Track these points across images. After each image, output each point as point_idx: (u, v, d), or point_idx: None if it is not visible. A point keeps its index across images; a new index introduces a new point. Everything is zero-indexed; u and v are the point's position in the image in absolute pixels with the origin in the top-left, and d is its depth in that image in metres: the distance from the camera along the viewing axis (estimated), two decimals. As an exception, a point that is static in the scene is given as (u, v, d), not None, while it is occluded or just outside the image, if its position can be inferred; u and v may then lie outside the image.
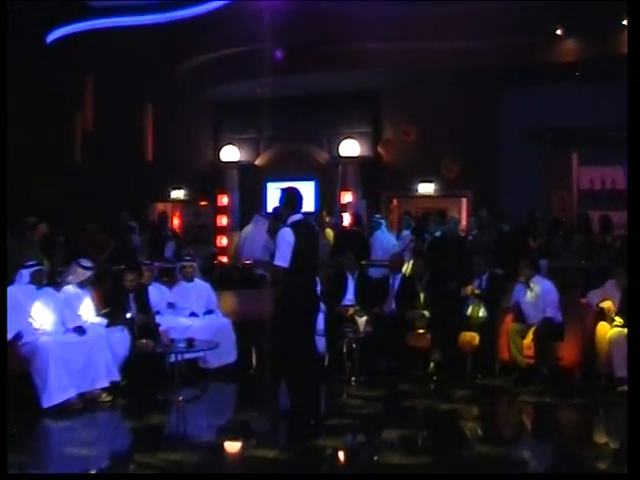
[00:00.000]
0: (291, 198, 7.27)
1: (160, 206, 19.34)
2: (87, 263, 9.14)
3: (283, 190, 7.39)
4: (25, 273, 8.42)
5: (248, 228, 13.02)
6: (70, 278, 8.99)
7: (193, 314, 9.80)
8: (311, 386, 7.32)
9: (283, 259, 7.00)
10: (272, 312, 7.39)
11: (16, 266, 8.73)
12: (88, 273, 8.99)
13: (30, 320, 8.17)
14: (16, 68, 17.51)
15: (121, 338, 8.63)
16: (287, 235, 7.01)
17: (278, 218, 12.28)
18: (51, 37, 17.45)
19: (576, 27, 14.01)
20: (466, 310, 9.65)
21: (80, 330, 8.26)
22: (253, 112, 17.34)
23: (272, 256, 12.33)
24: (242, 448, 6.99)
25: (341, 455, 6.85)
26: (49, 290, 8.60)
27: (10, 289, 8.34)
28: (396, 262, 10.78)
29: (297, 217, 7.19)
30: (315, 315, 7.56)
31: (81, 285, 8.92)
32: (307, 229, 7.31)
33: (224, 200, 18.49)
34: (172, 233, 15.63)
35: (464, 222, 16.36)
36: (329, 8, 14.70)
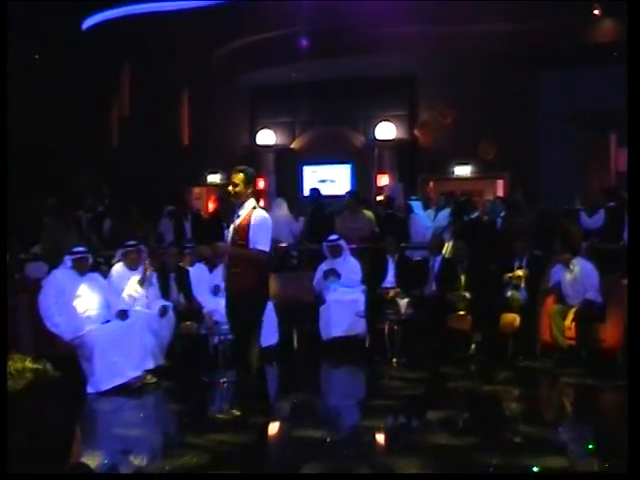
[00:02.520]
0: (252, 177, 6.96)
1: (197, 190, 19.49)
2: (133, 244, 9.22)
3: (243, 169, 6.91)
4: (68, 260, 8.54)
5: (272, 213, 13.14)
6: (117, 261, 9.13)
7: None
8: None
9: (267, 244, 6.82)
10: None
11: (60, 253, 8.87)
12: (134, 255, 9.07)
13: (74, 305, 8.30)
14: (53, 56, 17.73)
15: (165, 321, 8.74)
16: (268, 220, 6.88)
17: (356, 198, 12.54)
18: (87, 24, 17.58)
19: (614, 7, 13.87)
20: (507, 292, 9.65)
21: (123, 314, 8.38)
22: (289, 96, 17.45)
23: (293, 237, 12.71)
24: (286, 429, 7.05)
25: (384, 436, 6.89)
26: (93, 275, 8.71)
27: (54, 274, 8.49)
28: (436, 244, 10.80)
29: (252, 202, 6.91)
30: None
31: (130, 268, 9.00)
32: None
33: (260, 184, 18.53)
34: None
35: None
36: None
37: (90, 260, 8.74)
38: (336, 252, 10.47)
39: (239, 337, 7.08)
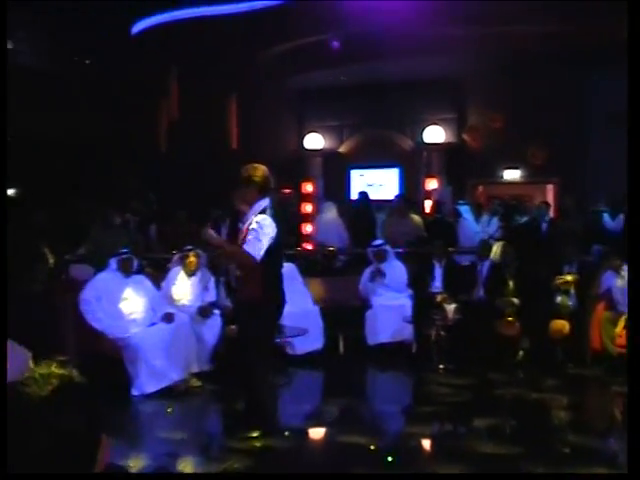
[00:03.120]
0: (259, 178, 6.34)
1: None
2: (190, 248, 9.23)
3: (247, 169, 6.39)
4: (113, 261, 8.58)
5: (320, 216, 13.14)
6: (175, 265, 9.17)
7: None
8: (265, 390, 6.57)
9: (259, 251, 6.12)
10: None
11: (105, 255, 8.93)
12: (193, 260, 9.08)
13: (120, 307, 8.34)
14: (102, 60, 17.91)
15: (211, 324, 8.75)
16: (270, 225, 6.19)
17: (404, 202, 12.48)
18: (136, 28, 17.71)
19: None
20: (556, 298, 9.50)
21: (169, 317, 8.39)
22: (337, 99, 17.42)
23: (341, 239, 12.54)
24: (330, 435, 7.00)
25: (428, 443, 6.80)
26: (139, 277, 8.74)
27: (100, 275, 8.54)
28: (484, 249, 10.69)
29: (267, 202, 6.36)
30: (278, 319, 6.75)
31: (188, 272, 9.03)
32: (275, 216, 6.40)
33: (308, 187, 18.55)
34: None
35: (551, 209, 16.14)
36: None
37: (135, 262, 8.76)
38: (381, 257, 10.42)
39: (243, 353, 6.57)
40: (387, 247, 10.60)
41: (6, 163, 6.75)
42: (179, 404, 7.87)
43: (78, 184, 15.74)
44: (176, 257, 9.20)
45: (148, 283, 8.77)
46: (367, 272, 10.50)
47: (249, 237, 6.15)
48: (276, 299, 6.41)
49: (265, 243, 6.14)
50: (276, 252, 6.33)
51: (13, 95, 14.91)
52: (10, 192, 16.61)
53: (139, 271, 8.98)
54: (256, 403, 6.50)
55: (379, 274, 10.24)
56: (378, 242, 10.73)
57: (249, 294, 6.36)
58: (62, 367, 1.73)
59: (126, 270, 8.53)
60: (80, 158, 16.52)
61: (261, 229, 6.14)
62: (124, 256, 8.57)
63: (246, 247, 6.14)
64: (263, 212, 6.28)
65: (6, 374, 6.35)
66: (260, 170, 6.37)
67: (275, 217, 6.31)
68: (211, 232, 6.59)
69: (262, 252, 6.13)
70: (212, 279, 9.21)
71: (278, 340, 8.64)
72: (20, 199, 15.95)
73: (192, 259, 8.99)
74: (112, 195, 14.57)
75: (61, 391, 1.67)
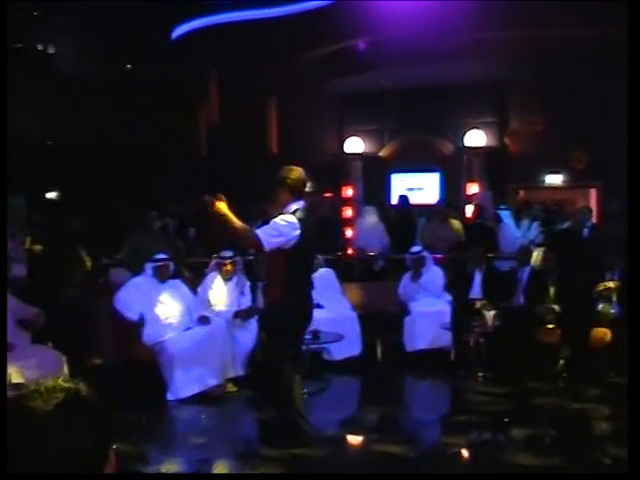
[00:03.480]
0: (292, 180, 6.23)
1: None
2: (228, 254, 9.20)
3: (282, 171, 6.29)
4: (149, 267, 8.56)
5: (360, 221, 13.06)
6: (211, 270, 9.14)
7: (318, 305, 9.77)
8: (299, 397, 6.42)
9: (269, 241, 5.91)
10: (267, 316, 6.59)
11: (142, 260, 8.93)
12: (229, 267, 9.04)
13: (156, 311, 8.32)
14: (143, 64, 18.01)
15: (247, 329, 8.71)
16: (292, 225, 5.99)
17: (445, 206, 12.40)
18: (176, 33, 17.78)
19: None
20: (598, 305, 9.31)
21: (205, 319, 8.35)
22: (377, 104, 17.35)
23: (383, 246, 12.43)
24: (365, 443, 6.91)
25: (465, 454, 6.68)
26: (174, 282, 8.72)
27: (134, 281, 8.54)
28: (524, 255, 10.53)
29: (300, 204, 6.21)
30: (307, 325, 6.57)
31: (225, 278, 9.00)
32: (309, 220, 6.31)
33: (348, 192, 18.48)
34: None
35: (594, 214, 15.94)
36: (455, -3, 14.44)
37: (171, 267, 8.74)
38: (419, 264, 10.30)
39: (271, 365, 6.44)
40: (425, 253, 10.49)
41: (6, 163, 6.75)
42: (214, 409, 7.84)
43: (118, 189, 15.81)
44: (213, 262, 9.17)
45: (184, 288, 8.77)
46: (406, 278, 10.41)
47: (265, 225, 6.05)
48: (299, 304, 6.25)
49: (282, 240, 5.95)
50: (301, 255, 6.16)
51: (54, 99, 15.14)
52: (51, 196, 16.77)
53: (175, 275, 8.95)
54: (282, 412, 6.40)
55: (416, 283, 10.17)
56: (417, 248, 10.62)
57: (272, 298, 6.32)
58: (69, 381, 1.67)
59: (161, 275, 8.52)
60: (121, 162, 16.59)
61: (281, 223, 5.98)
62: (160, 263, 8.55)
63: (259, 231, 5.97)
64: (293, 214, 6.14)
65: (6, 374, 6.42)
66: (294, 172, 6.27)
67: (303, 221, 6.13)
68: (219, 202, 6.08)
69: (274, 245, 5.94)
70: (248, 284, 9.18)
71: (314, 346, 8.61)
72: (60, 203, 16.07)
73: (229, 267, 8.97)
74: (152, 199, 14.62)
75: (67, 405, 1.60)
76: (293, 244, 6.04)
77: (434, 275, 10.38)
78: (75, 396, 1.64)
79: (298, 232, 6.01)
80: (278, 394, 6.39)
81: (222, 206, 5.97)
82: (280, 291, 6.17)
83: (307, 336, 8.36)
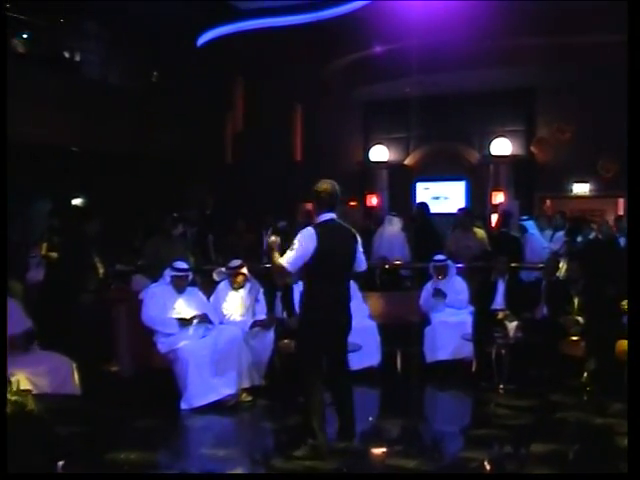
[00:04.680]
0: (320, 193, 6.25)
1: (309, 206, 19.36)
2: (235, 264, 9.09)
3: (315, 186, 6.33)
4: (167, 274, 8.44)
5: (382, 229, 12.90)
6: (221, 278, 9.03)
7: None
8: (318, 409, 6.34)
9: (292, 262, 6.10)
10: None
11: (161, 266, 8.85)
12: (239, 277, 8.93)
13: (171, 319, 8.21)
14: (169, 71, 18.02)
15: (263, 338, 8.58)
16: (308, 237, 6.09)
17: (469, 215, 12.27)
18: (201, 40, 17.77)
19: None
20: (624, 317, 9.07)
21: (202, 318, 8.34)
22: (402, 111, 17.24)
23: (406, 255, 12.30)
24: (382, 456, 6.74)
25: (486, 468, 6.48)
26: (191, 290, 8.60)
27: (152, 288, 8.45)
28: (551, 265, 10.33)
29: (327, 216, 6.26)
30: (336, 339, 6.44)
31: (234, 287, 8.89)
32: (337, 232, 6.32)
33: (373, 200, 18.36)
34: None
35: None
36: (479, 4, 14.26)
37: (190, 277, 8.64)
38: (443, 273, 10.14)
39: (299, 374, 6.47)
40: (449, 262, 10.33)
41: (6, 164, 6.70)
42: (228, 419, 7.72)
43: (144, 195, 15.80)
44: (220, 271, 9.08)
45: (201, 296, 8.65)
46: (427, 287, 10.25)
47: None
48: (323, 316, 6.22)
49: (299, 253, 6.08)
50: (323, 266, 6.16)
51: (80, 106, 15.15)
52: (75, 202, 16.78)
53: (192, 283, 8.84)
54: (306, 419, 6.34)
55: (439, 294, 10.00)
56: (441, 257, 10.43)
57: (300, 309, 6.44)
58: (18, 394, 1.55)
59: (179, 285, 8.41)
60: (147, 169, 16.59)
61: (298, 240, 6.12)
62: (179, 272, 8.43)
63: (282, 258, 6.16)
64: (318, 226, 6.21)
65: (6, 374, 6.32)
66: (324, 184, 6.33)
67: (327, 232, 6.15)
68: (275, 239, 6.48)
69: (296, 262, 6.10)
70: (261, 290, 9.06)
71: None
72: (82, 210, 16.09)
73: (239, 277, 8.86)
74: (174, 206, 14.58)
75: (13, 419, 1.48)
76: (312, 255, 6.09)
77: (456, 285, 10.21)
78: (21, 409, 1.52)
79: (315, 244, 6.07)
80: (302, 396, 6.43)
81: (271, 241, 6.44)
82: (305, 302, 6.31)
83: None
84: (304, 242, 6.09)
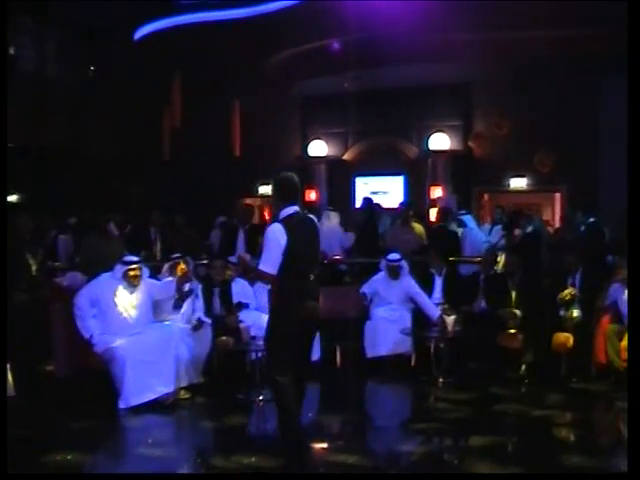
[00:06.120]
0: (282, 186, 6.09)
1: (249, 201, 19.28)
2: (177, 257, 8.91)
3: (274, 178, 6.19)
4: (120, 269, 8.25)
5: (320, 224, 12.81)
6: (165, 274, 8.85)
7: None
8: (292, 406, 6.05)
9: (270, 264, 5.84)
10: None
11: (98, 263, 8.67)
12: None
13: (111, 315, 8.07)
14: (105, 66, 17.75)
15: (202, 335, 8.47)
16: (277, 233, 5.81)
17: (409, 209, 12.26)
18: (138, 34, 17.52)
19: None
20: (560, 310, 9.18)
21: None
22: (341, 106, 17.21)
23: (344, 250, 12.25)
24: (322, 452, 6.69)
25: (425, 462, 6.47)
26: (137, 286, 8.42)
27: (97, 280, 8.27)
28: (489, 259, 10.39)
29: (291, 210, 5.98)
30: (307, 334, 6.14)
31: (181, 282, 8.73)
32: (304, 225, 6.05)
33: (312, 195, 18.32)
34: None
35: (557, 218, 15.96)
36: (419, -1, 14.30)
37: (143, 271, 8.42)
38: (395, 273, 10.02)
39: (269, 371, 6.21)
40: (403, 263, 10.14)
41: (6, 165, 6.54)
42: (166, 417, 7.62)
43: (75, 192, 15.54)
44: (166, 266, 8.90)
45: (145, 293, 8.42)
46: (376, 280, 10.16)
47: (262, 251, 5.95)
48: (291, 312, 5.91)
49: (273, 252, 5.82)
50: (292, 260, 5.87)
51: (14, 101, 14.82)
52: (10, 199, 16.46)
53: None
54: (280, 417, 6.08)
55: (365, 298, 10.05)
56: (395, 256, 10.14)
57: (271, 305, 6.31)
58: None
59: (134, 280, 8.22)
60: (83, 164, 16.33)
61: (267, 239, 5.88)
62: (132, 266, 8.25)
63: (260, 264, 5.93)
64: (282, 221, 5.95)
65: (6, 374, 6.16)
66: (284, 177, 6.13)
67: (293, 226, 5.89)
68: (244, 255, 6.77)
69: (272, 262, 5.82)
70: (200, 286, 8.95)
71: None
72: (15, 206, 15.78)
73: (183, 267, 8.67)
74: (110, 203, 14.37)
75: None
76: (283, 251, 5.83)
77: (407, 283, 10.09)
78: None
79: (285, 239, 5.80)
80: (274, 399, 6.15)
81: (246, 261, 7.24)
82: (275, 298, 6.12)
83: (261, 342, 8.23)
84: (274, 239, 5.82)
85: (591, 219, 11.22)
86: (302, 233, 5.94)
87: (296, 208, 6.00)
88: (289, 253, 5.79)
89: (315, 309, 5.99)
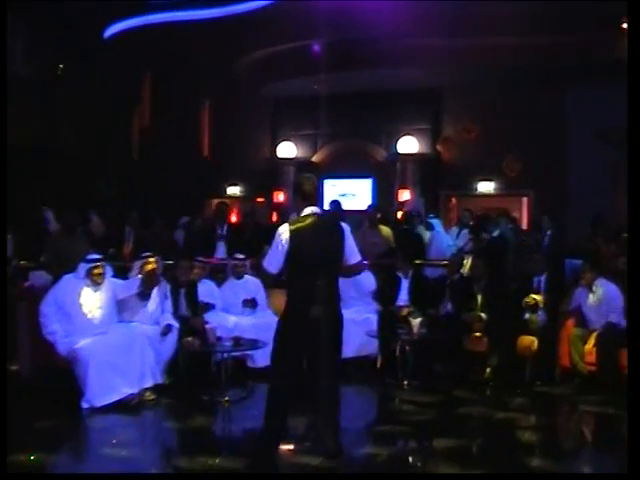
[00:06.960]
0: (301, 187, 6.05)
1: (216, 202, 19.22)
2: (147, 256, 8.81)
3: (295, 179, 6.33)
4: (83, 267, 8.19)
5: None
6: (134, 273, 8.78)
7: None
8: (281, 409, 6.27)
9: (272, 262, 5.85)
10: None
11: (65, 260, 8.59)
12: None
13: (76, 316, 8.00)
14: (74, 64, 17.60)
15: (167, 336, 8.43)
16: (281, 233, 5.82)
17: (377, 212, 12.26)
18: (108, 33, 17.41)
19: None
20: (525, 314, 9.24)
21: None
22: (310, 109, 17.25)
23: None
24: (285, 454, 6.67)
25: (390, 464, 6.48)
26: (104, 285, 8.35)
27: (63, 281, 8.19)
28: (455, 262, 10.43)
29: (307, 210, 5.95)
30: (316, 336, 5.92)
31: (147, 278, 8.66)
32: (317, 226, 5.93)
33: (280, 197, 18.32)
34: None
35: (525, 222, 16.07)
36: (387, 3, 14.34)
37: (106, 269, 8.36)
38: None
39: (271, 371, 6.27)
40: (364, 261, 10.14)
41: (6, 165, 6.47)
42: (130, 418, 7.56)
43: (41, 189, 15.38)
44: (136, 264, 8.83)
45: (109, 292, 8.35)
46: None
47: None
48: (297, 314, 5.89)
49: (274, 252, 5.83)
50: (299, 261, 5.84)
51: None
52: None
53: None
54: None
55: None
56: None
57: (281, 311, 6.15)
58: None
59: (98, 278, 8.15)
60: (56, 165, 16.18)
61: (274, 239, 5.88)
62: (95, 264, 8.19)
63: (263, 260, 5.97)
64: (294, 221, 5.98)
65: (6, 374, 6.09)
66: (305, 179, 6.14)
67: (301, 227, 5.87)
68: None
69: (273, 262, 5.83)
70: (169, 287, 8.90)
71: (236, 353, 8.41)
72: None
73: (152, 264, 8.61)
74: (84, 201, 14.27)
75: None
76: (287, 251, 5.80)
77: (366, 281, 10.10)
78: None
79: (287, 240, 5.78)
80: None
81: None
82: (286, 299, 6.03)
83: (227, 343, 8.25)
84: (277, 239, 5.82)
85: (556, 223, 11.35)
86: (311, 235, 5.86)
87: (313, 209, 5.96)
88: (294, 253, 5.77)
89: (325, 313, 5.85)
